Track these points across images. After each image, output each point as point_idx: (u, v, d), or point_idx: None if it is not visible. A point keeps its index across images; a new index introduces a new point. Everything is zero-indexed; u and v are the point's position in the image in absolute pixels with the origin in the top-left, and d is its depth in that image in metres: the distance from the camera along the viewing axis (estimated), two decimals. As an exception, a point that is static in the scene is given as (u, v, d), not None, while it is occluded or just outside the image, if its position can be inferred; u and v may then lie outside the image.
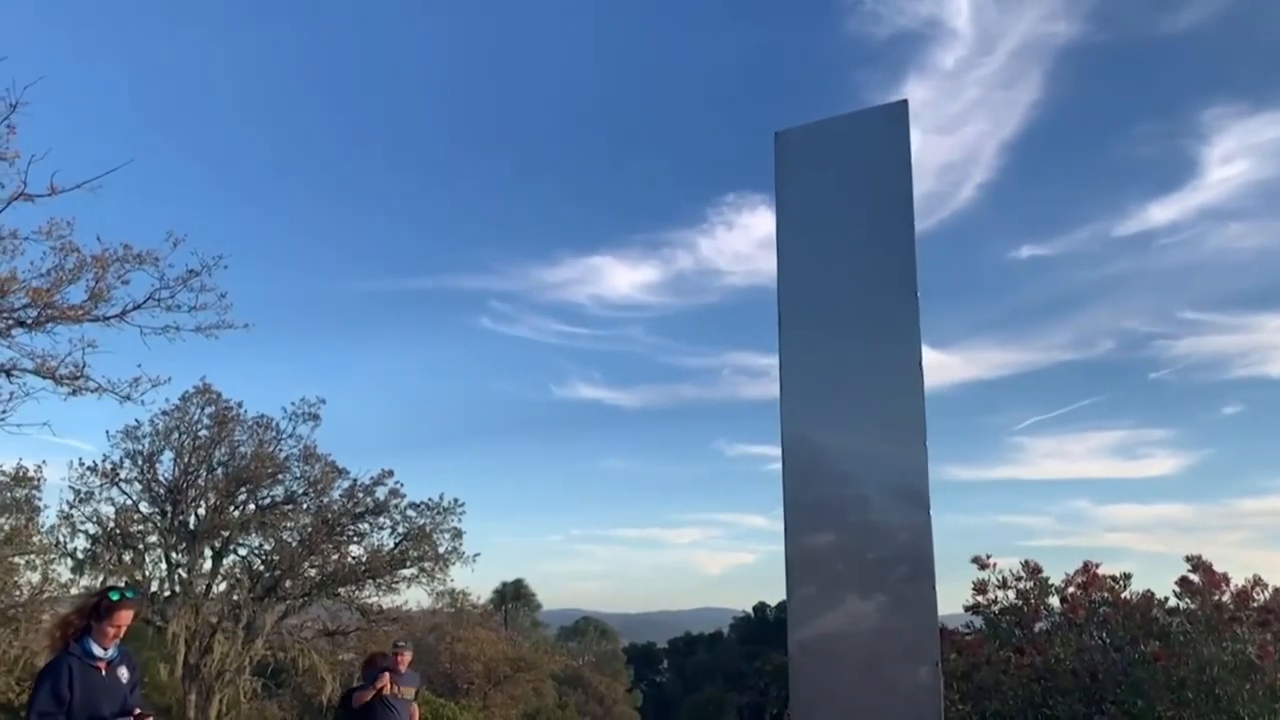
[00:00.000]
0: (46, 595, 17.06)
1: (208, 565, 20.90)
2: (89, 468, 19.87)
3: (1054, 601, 12.31)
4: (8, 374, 11.39)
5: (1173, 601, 11.96)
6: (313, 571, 21.34)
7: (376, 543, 21.71)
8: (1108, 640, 11.65)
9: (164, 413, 20.05)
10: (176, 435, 20.47)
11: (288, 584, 21.06)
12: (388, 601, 22.45)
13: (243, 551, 21.49)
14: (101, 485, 19.94)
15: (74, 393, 11.70)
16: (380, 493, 21.54)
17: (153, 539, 20.49)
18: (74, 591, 17.67)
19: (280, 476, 21.14)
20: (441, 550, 21.84)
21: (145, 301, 11.86)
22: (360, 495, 21.49)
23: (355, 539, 21.70)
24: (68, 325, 11.36)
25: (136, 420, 20.22)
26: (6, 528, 17.20)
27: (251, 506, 21.10)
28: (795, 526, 3.84)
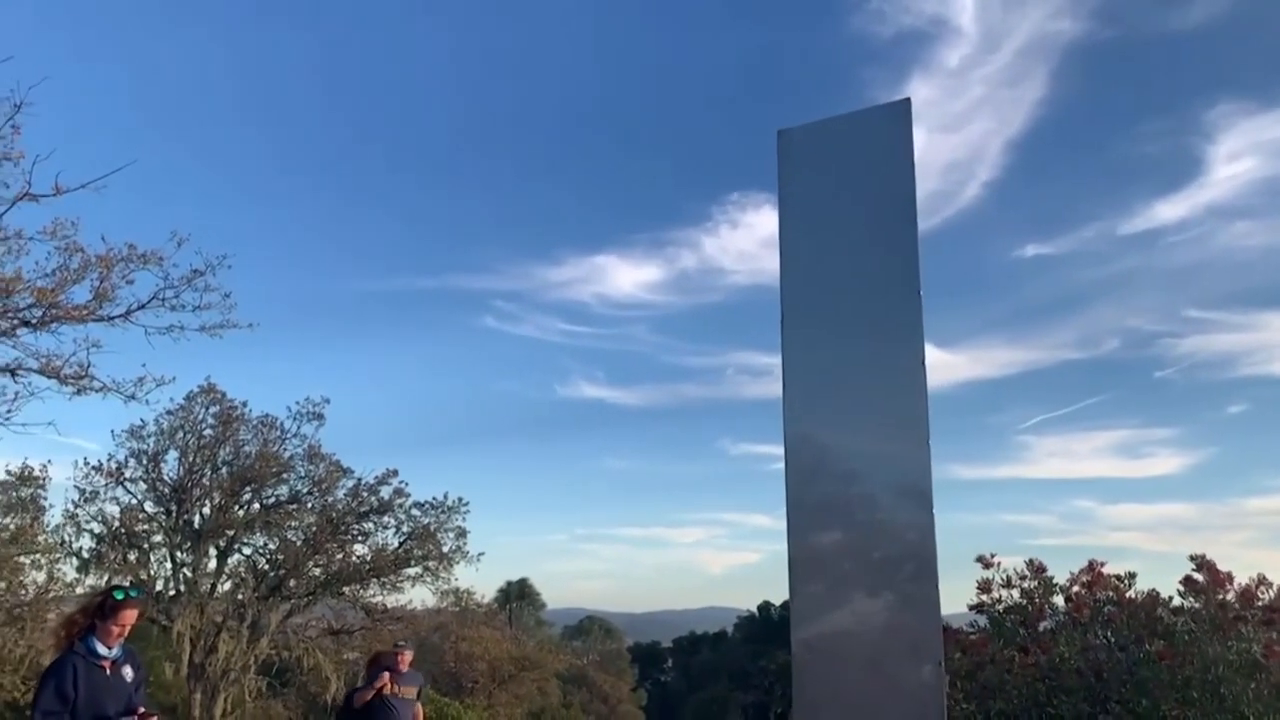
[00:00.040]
0: (52, 594, 17.07)
1: (212, 564, 20.94)
2: (94, 467, 19.91)
3: (1058, 600, 12.30)
4: (13, 374, 11.41)
5: (1177, 601, 11.94)
6: (317, 571, 21.37)
7: (381, 542, 21.73)
8: (1112, 639, 11.63)
9: (169, 412, 20.08)
10: (181, 435, 20.50)
11: (292, 583, 21.08)
12: (392, 600, 22.49)
13: (247, 551, 21.54)
14: (106, 485, 19.98)
15: (79, 392, 11.72)
16: (385, 492, 21.56)
17: (158, 538, 20.54)
18: (79, 591, 17.66)
19: (285, 476, 21.16)
20: (446, 549, 21.85)
21: (150, 301, 11.87)
22: (365, 494, 21.51)
23: (360, 538, 21.73)
24: (72, 325, 11.38)
25: (141, 420, 20.27)
26: (12, 527, 17.24)
27: (256, 506, 21.12)
28: (798, 526, 3.84)
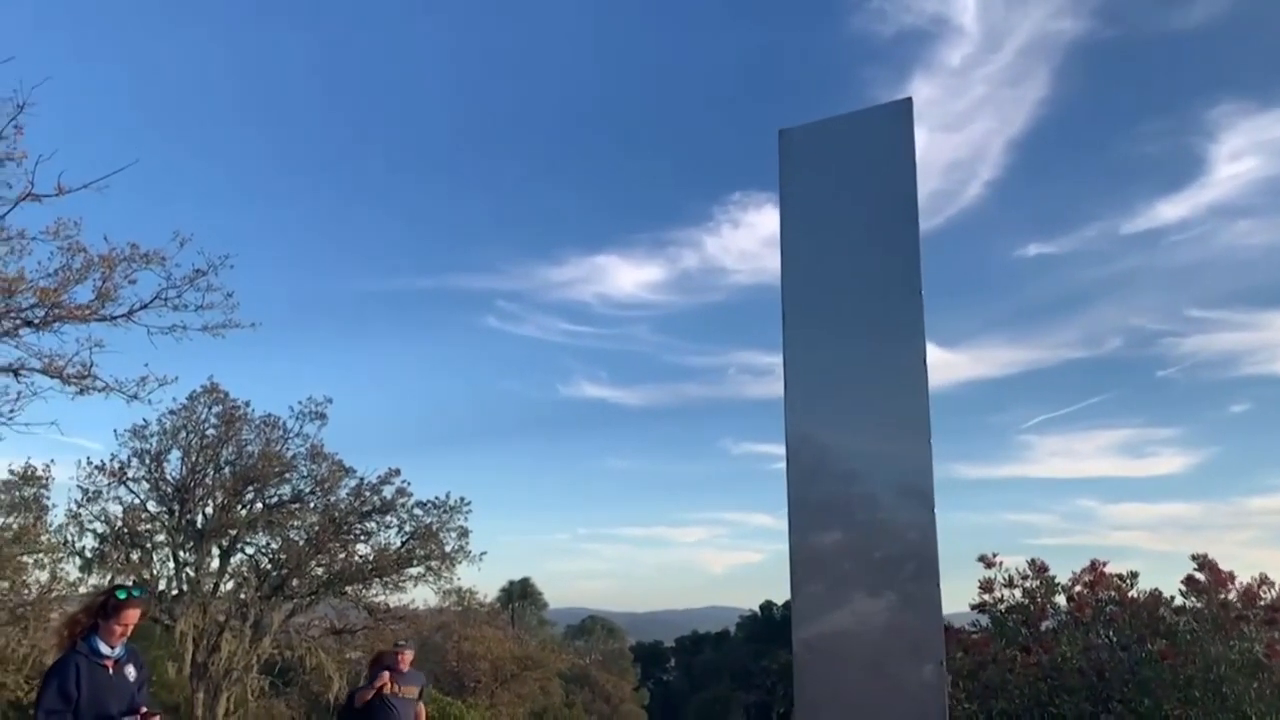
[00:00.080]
0: (55, 594, 17.11)
1: (215, 564, 20.98)
2: (97, 467, 19.97)
3: (1060, 600, 12.29)
4: (15, 373, 11.43)
5: (1179, 600, 11.92)
6: (320, 570, 21.40)
7: (383, 541, 21.78)
8: (1114, 639, 11.62)
9: (171, 412, 20.14)
10: (184, 434, 20.54)
11: (295, 582, 21.11)
12: (395, 600, 22.54)
13: (250, 550, 21.59)
14: (109, 484, 20.04)
15: (81, 392, 11.75)
16: (387, 491, 21.60)
17: (160, 538, 20.58)
18: (82, 590, 17.71)
19: (287, 475, 21.20)
20: (448, 549, 21.89)
21: (152, 301, 11.90)
22: (367, 494, 21.54)
23: (362, 538, 21.76)
24: (75, 325, 11.41)
25: (144, 419, 20.33)
26: (15, 526, 17.27)
27: (259, 505, 21.15)
28: (799, 525, 3.83)
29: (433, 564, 21.91)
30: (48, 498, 18.14)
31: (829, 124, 4.27)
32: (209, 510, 20.71)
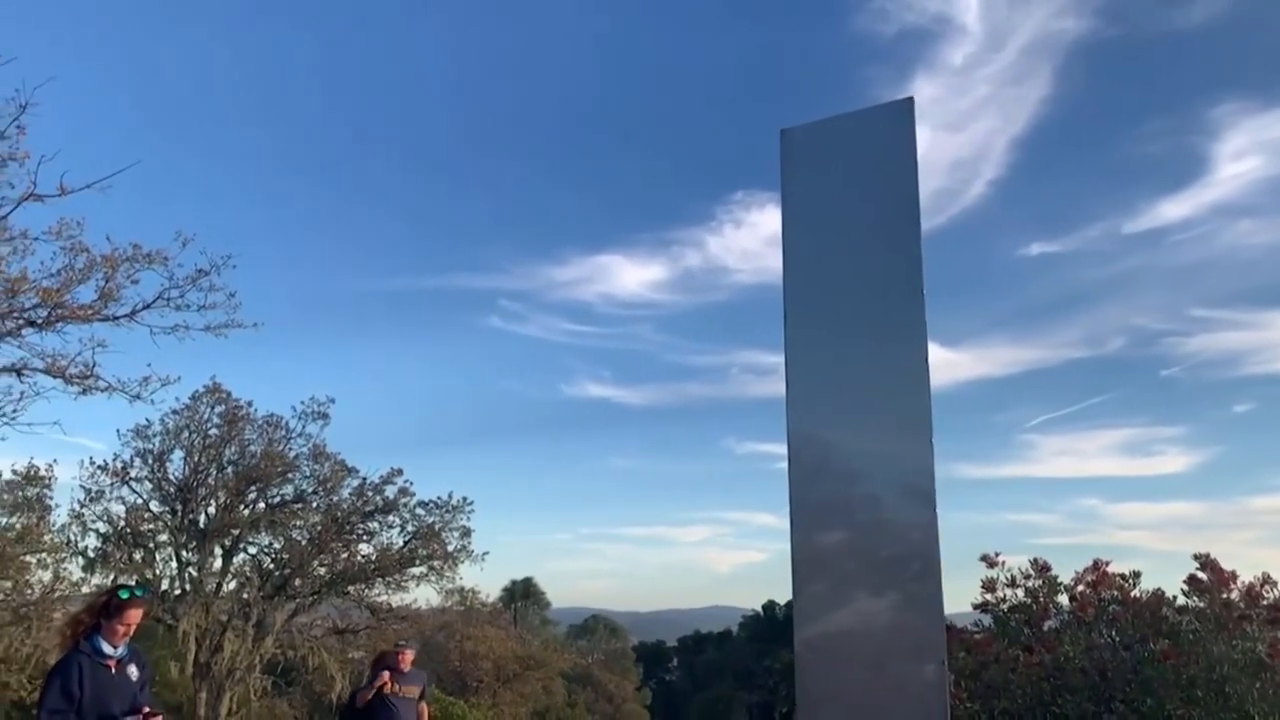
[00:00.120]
0: (58, 594, 17.15)
1: (218, 564, 21.00)
2: (99, 467, 19.97)
3: (1063, 600, 12.29)
4: (18, 373, 11.45)
5: (1182, 600, 11.91)
6: (322, 570, 21.40)
7: (386, 541, 21.76)
8: (1117, 638, 11.62)
9: (174, 412, 20.15)
10: (187, 434, 20.54)
11: (297, 582, 21.12)
12: (397, 600, 22.54)
13: (253, 550, 21.60)
14: (112, 484, 20.04)
15: (84, 392, 11.76)
16: (389, 491, 21.60)
17: (163, 537, 20.59)
18: (85, 590, 17.75)
19: (290, 475, 21.20)
20: (450, 548, 21.88)
21: (155, 301, 11.91)
22: (369, 494, 21.54)
23: (365, 537, 21.75)
24: (78, 325, 11.42)
25: (147, 419, 20.32)
26: (18, 526, 17.31)
27: (261, 505, 21.16)
28: (801, 525, 3.83)
29: (435, 564, 21.91)
30: (51, 498, 18.21)
31: (831, 123, 4.27)
32: (212, 510, 20.73)
